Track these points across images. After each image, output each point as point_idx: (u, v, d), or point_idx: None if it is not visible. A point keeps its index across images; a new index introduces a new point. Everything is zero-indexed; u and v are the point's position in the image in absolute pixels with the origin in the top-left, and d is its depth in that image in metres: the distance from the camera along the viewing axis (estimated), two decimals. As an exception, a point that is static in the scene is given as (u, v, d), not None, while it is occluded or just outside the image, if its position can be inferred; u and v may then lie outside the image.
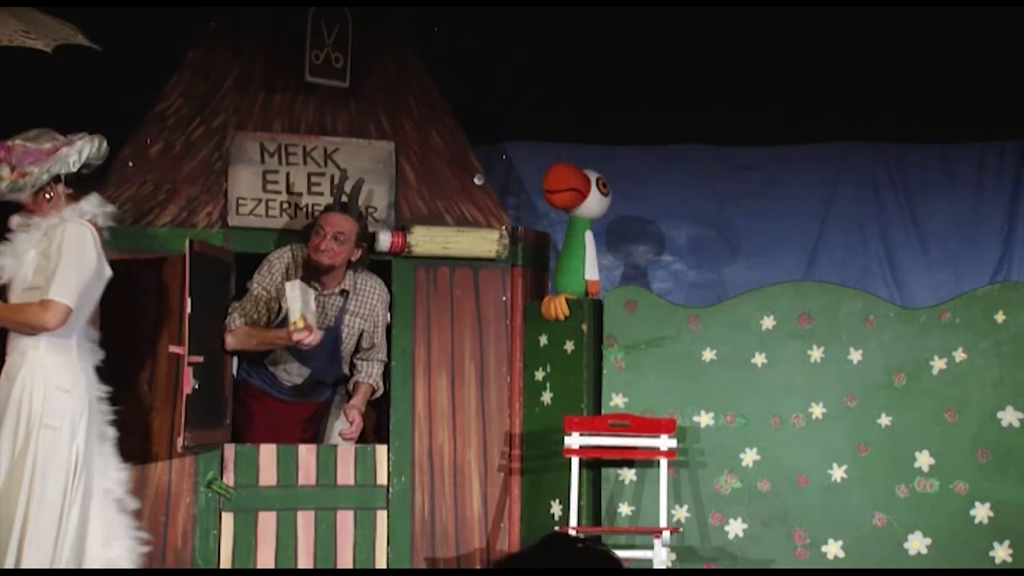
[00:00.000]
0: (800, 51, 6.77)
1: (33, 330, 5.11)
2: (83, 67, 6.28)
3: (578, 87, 6.81)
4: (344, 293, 6.01)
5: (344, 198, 5.93)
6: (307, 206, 6.12)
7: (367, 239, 6.00)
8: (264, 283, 5.92)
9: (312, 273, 5.91)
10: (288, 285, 5.76)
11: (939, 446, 6.04)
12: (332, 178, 6.15)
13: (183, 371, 5.53)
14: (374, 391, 6.14)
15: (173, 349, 5.63)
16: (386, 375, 6.19)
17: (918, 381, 6.10)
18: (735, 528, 6.09)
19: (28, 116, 5.53)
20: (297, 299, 5.71)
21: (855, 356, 6.14)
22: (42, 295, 5.09)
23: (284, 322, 5.85)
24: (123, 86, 6.14)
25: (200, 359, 5.57)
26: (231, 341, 5.86)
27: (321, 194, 6.14)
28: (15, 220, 5.27)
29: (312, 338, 5.72)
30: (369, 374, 6.10)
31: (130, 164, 5.96)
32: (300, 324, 5.71)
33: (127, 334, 5.83)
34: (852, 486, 6.07)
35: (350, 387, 6.14)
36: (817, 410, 6.13)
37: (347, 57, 6.15)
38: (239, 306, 5.90)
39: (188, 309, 5.56)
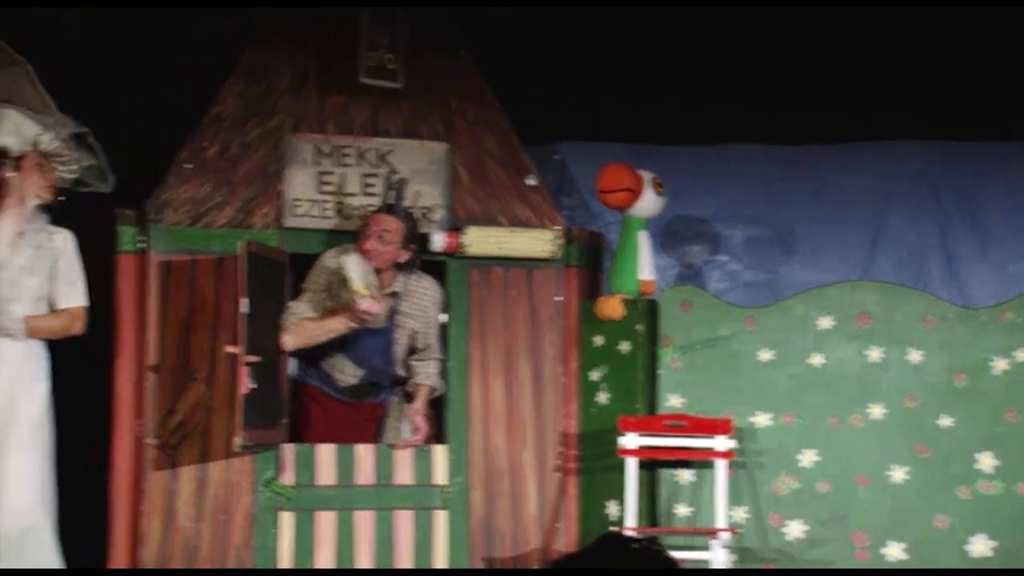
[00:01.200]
0: (857, 48, 6.72)
1: (64, 336, 5.36)
2: (141, 70, 6.35)
3: (632, 86, 6.79)
4: (395, 295, 6.02)
5: (390, 199, 5.95)
6: (361, 207, 6.14)
7: (416, 240, 6.00)
8: (319, 284, 5.94)
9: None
10: (344, 258, 5.78)
11: (1002, 447, 5.97)
12: (386, 176, 6.16)
13: (239, 371, 5.56)
14: (434, 390, 6.14)
15: (229, 349, 5.67)
16: (442, 376, 6.20)
17: (979, 382, 6.04)
18: (794, 529, 6.05)
19: (84, 120, 5.60)
20: (356, 270, 5.73)
21: (914, 356, 6.09)
22: (67, 303, 5.38)
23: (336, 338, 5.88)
24: (180, 89, 6.19)
25: (256, 359, 5.60)
26: (289, 339, 5.88)
27: (375, 195, 6.16)
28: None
29: (378, 307, 5.72)
30: (427, 375, 6.11)
31: (187, 166, 6.01)
32: (364, 292, 5.71)
33: (185, 335, 5.88)
34: (912, 488, 6.02)
35: (409, 389, 6.14)
36: (876, 411, 6.08)
37: (400, 58, 6.16)
38: (294, 306, 5.93)
39: (243, 309, 5.59)
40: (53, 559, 5.25)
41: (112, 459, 5.86)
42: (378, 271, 5.92)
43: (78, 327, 5.43)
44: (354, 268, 5.75)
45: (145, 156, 5.95)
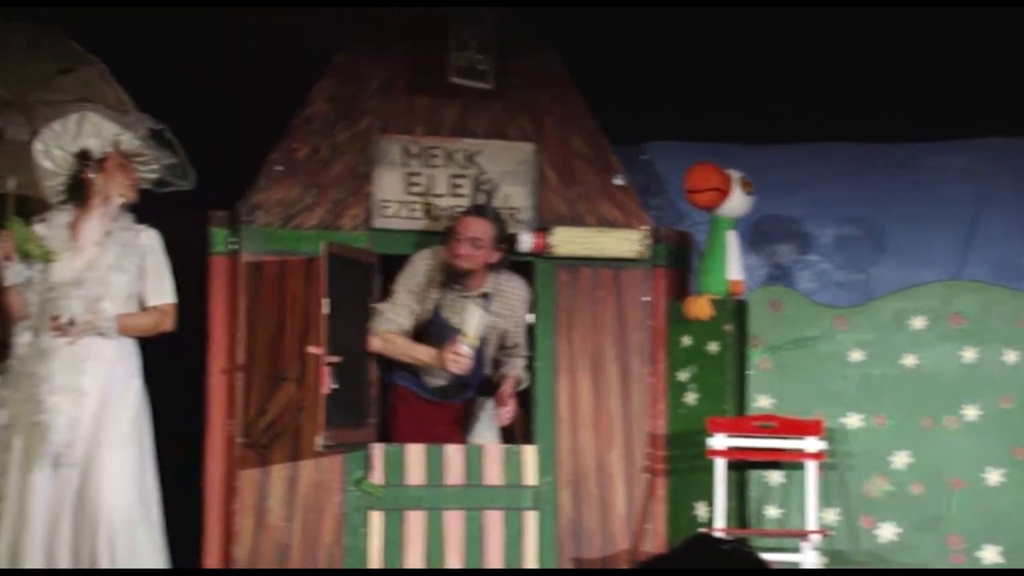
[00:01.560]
0: (950, 45, 6.62)
1: (155, 333, 5.45)
2: (232, 72, 6.43)
3: (720, 85, 6.75)
4: (486, 296, 6.04)
5: (480, 201, 5.96)
6: (449, 208, 6.17)
7: (505, 241, 6.02)
8: (409, 286, 5.97)
9: (452, 277, 5.95)
10: (472, 307, 5.84)
11: (1101, 450, 5.87)
12: (475, 179, 6.18)
13: (320, 371, 5.61)
14: (519, 382, 6.15)
15: (311, 350, 5.71)
16: (529, 373, 6.20)
17: (1077, 383, 5.93)
18: (886, 532, 5.98)
19: (175, 123, 5.68)
20: (476, 320, 5.81)
21: (1010, 357, 6.00)
22: (156, 301, 5.45)
23: (432, 329, 5.91)
24: (272, 90, 6.25)
25: (338, 359, 5.64)
26: (378, 344, 5.92)
27: (463, 196, 6.18)
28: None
29: (469, 361, 5.81)
30: (514, 366, 6.12)
31: (278, 168, 6.07)
32: (472, 340, 5.82)
33: (277, 335, 5.94)
34: (1009, 490, 5.92)
35: (495, 380, 6.15)
36: (971, 412, 5.99)
37: (490, 59, 6.18)
38: (386, 310, 5.95)
39: (324, 310, 5.64)
40: (155, 556, 5.31)
41: (205, 458, 5.93)
42: (469, 273, 5.94)
43: (168, 324, 5.50)
44: (475, 317, 5.82)
45: (237, 158, 6.02)
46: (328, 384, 5.58)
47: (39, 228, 5.40)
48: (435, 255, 6.01)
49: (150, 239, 5.47)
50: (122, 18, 6.16)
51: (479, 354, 6.07)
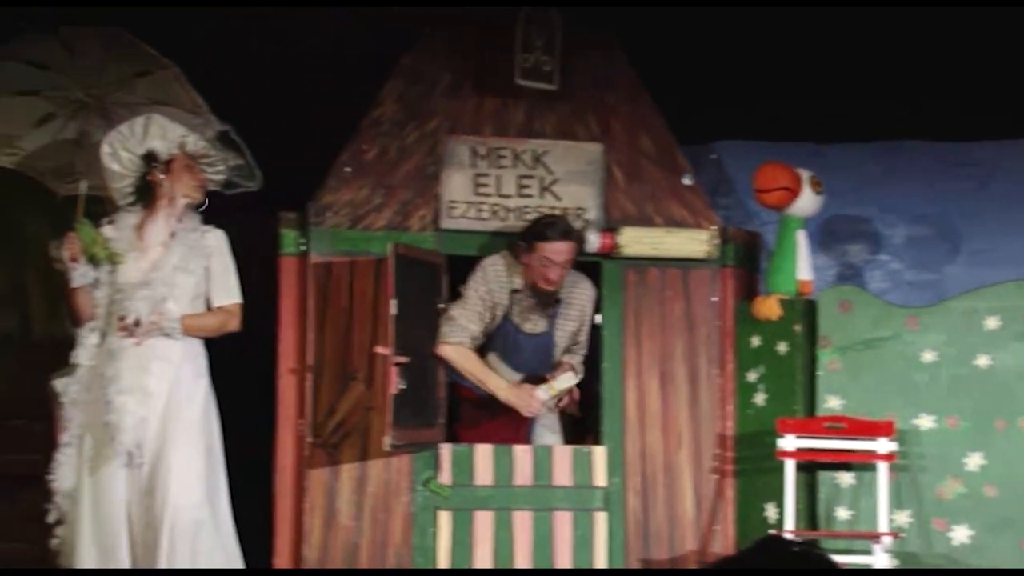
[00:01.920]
0: (1022, 42, 6.54)
1: (222, 333, 5.49)
2: (302, 75, 6.48)
3: (789, 84, 6.71)
4: (558, 301, 6.05)
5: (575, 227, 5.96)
6: (517, 209, 6.17)
7: (580, 244, 6.03)
8: (480, 292, 5.96)
9: (530, 290, 5.95)
10: (571, 374, 5.92)
11: None
12: (541, 180, 6.18)
13: (388, 371, 5.63)
14: (575, 372, 6.09)
15: (379, 350, 5.74)
16: (597, 377, 6.20)
17: None
18: (960, 535, 5.92)
19: (245, 124, 5.73)
20: (568, 382, 5.92)
21: (1086, 357, 5.92)
22: (222, 301, 5.48)
23: (500, 334, 5.93)
24: (341, 92, 6.29)
25: (406, 360, 5.67)
26: (451, 354, 5.91)
27: (530, 196, 6.18)
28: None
29: (536, 411, 5.90)
30: (571, 356, 6.13)
31: (347, 170, 6.11)
32: (553, 392, 5.91)
33: (346, 335, 5.98)
34: (1085, 493, 5.84)
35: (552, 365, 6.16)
36: (1047, 413, 5.92)
37: (556, 60, 6.18)
38: (458, 317, 5.93)
39: (392, 311, 5.66)
40: (222, 556, 5.36)
41: (275, 458, 5.98)
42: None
43: (234, 324, 5.53)
44: (568, 382, 5.93)
45: (307, 159, 6.07)
46: (396, 384, 5.60)
47: (107, 230, 5.46)
48: (505, 260, 6.00)
49: (216, 240, 5.51)
50: (191, 19, 6.22)
51: (548, 354, 6.09)
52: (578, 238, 5.95)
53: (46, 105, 5.77)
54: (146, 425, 5.28)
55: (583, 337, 6.14)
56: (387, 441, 5.59)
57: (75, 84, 5.71)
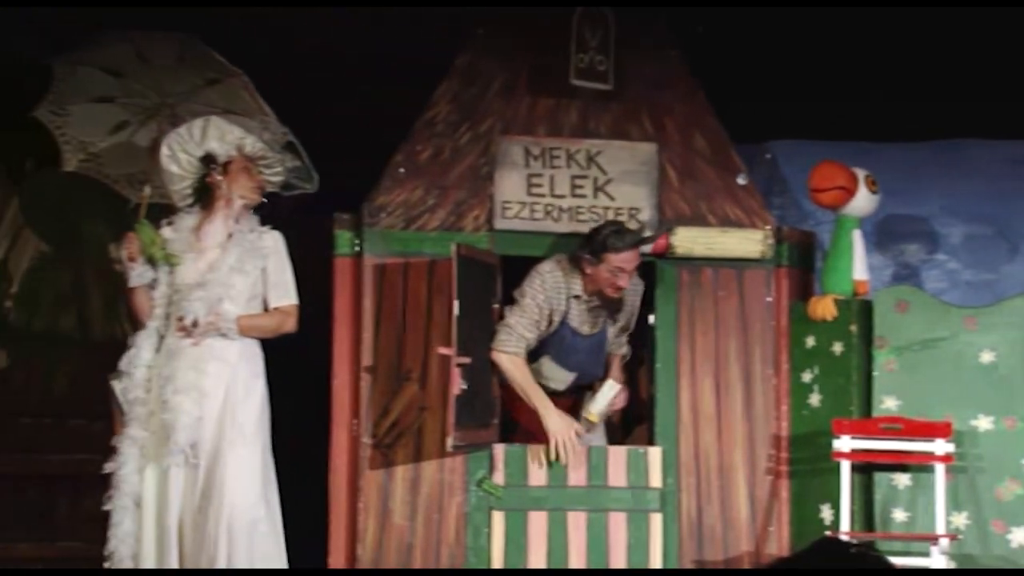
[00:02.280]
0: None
1: (278, 334, 5.52)
2: (356, 76, 6.51)
3: (845, 82, 6.67)
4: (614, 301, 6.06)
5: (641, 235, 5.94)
6: (571, 209, 6.17)
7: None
8: (538, 300, 5.95)
9: (596, 296, 5.94)
10: (610, 383, 5.93)
11: None
12: (594, 180, 6.17)
13: (451, 372, 5.64)
14: (625, 357, 6.21)
15: (441, 350, 5.76)
16: (651, 378, 6.19)
17: None
18: (1019, 537, 5.86)
19: (300, 126, 5.77)
20: (606, 400, 5.89)
21: None
22: (278, 302, 5.51)
23: (556, 339, 5.94)
24: (395, 94, 6.32)
25: (468, 360, 5.68)
26: (506, 363, 5.90)
27: (584, 196, 6.17)
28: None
29: (573, 442, 5.87)
30: (620, 345, 6.19)
31: (401, 170, 6.13)
32: (593, 419, 5.93)
33: (399, 336, 6.00)
34: None
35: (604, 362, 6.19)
36: (1105, 414, 5.86)
37: (610, 59, 6.17)
38: (515, 325, 5.91)
39: (456, 311, 5.67)
40: (277, 554, 5.40)
41: (330, 458, 6.01)
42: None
43: (291, 325, 5.57)
44: (605, 400, 5.92)
45: (361, 160, 6.10)
46: (459, 385, 5.62)
47: (166, 231, 5.52)
48: (562, 266, 5.99)
49: (273, 241, 5.54)
50: (248, 22, 6.27)
51: (601, 352, 6.08)
52: (640, 248, 5.92)
53: (120, 112, 5.86)
54: (201, 425, 5.32)
55: (632, 324, 6.18)
56: (449, 442, 5.61)
57: (148, 91, 5.78)
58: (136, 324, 5.52)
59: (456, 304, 5.67)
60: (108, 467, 5.33)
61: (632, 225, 6.04)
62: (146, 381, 5.39)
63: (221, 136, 5.49)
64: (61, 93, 5.83)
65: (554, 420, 5.88)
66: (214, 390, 5.35)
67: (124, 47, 5.71)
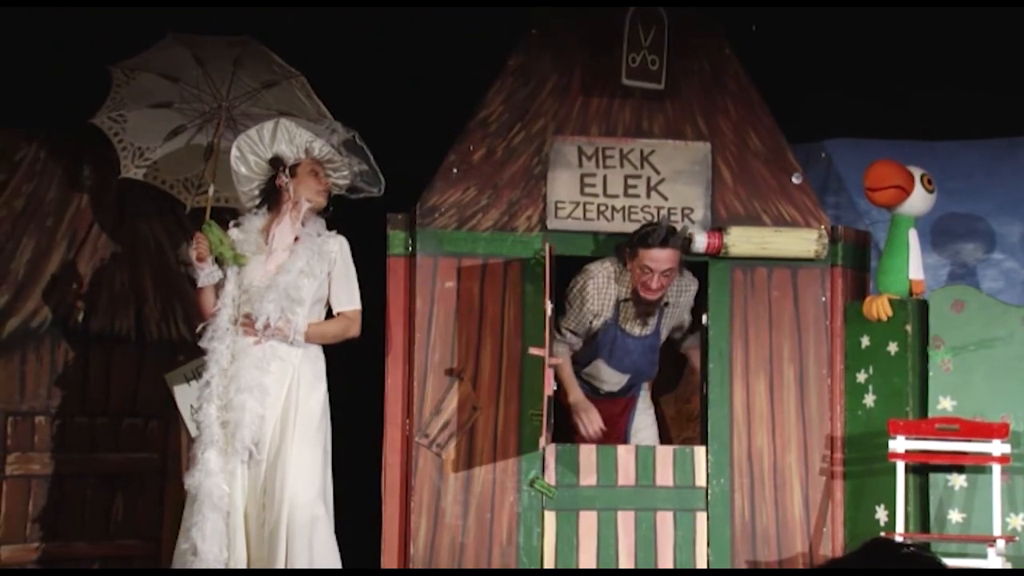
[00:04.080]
0: None
1: (343, 340, 5.57)
2: (409, 76, 6.53)
3: (901, 80, 6.61)
4: (666, 304, 6.03)
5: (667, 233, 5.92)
6: (624, 209, 6.16)
7: (687, 251, 5.99)
8: (588, 304, 5.97)
9: (636, 299, 5.94)
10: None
11: None
12: (648, 180, 6.16)
13: (545, 373, 5.64)
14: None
15: (534, 351, 5.72)
16: (704, 377, 6.17)
17: None
18: (1076, 539, 5.79)
19: (354, 125, 5.79)
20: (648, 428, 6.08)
21: None
22: (343, 307, 5.56)
23: (605, 340, 5.97)
24: (448, 94, 6.33)
25: (559, 360, 5.69)
26: (559, 364, 5.93)
27: (638, 196, 6.16)
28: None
29: (591, 432, 5.96)
30: (688, 342, 6.28)
31: (454, 171, 6.14)
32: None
33: (453, 336, 6.01)
34: None
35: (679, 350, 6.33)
36: None
37: (663, 59, 6.15)
38: (563, 328, 5.97)
39: (548, 312, 5.67)
40: (332, 552, 5.43)
41: (383, 457, 6.03)
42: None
43: (355, 330, 5.61)
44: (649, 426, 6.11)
45: (414, 160, 6.11)
46: (552, 385, 5.63)
47: (233, 232, 5.57)
48: (612, 267, 5.98)
49: (339, 245, 5.58)
50: (301, 23, 6.31)
51: (655, 353, 6.08)
52: (679, 245, 5.89)
53: (177, 117, 5.92)
54: (264, 423, 5.36)
55: (686, 326, 6.24)
56: (543, 443, 5.61)
57: (204, 95, 5.83)
58: (198, 323, 5.57)
59: (549, 304, 5.67)
60: (169, 465, 5.36)
61: (680, 227, 6.01)
62: (215, 381, 5.43)
63: (290, 139, 5.53)
64: (119, 99, 5.90)
65: (575, 392, 5.99)
66: (276, 389, 5.39)
67: (180, 51, 5.76)
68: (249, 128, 5.61)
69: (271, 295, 5.41)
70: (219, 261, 5.52)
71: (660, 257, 5.84)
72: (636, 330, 6.00)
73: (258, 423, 5.33)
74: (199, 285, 5.52)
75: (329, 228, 5.63)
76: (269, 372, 5.38)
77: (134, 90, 5.90)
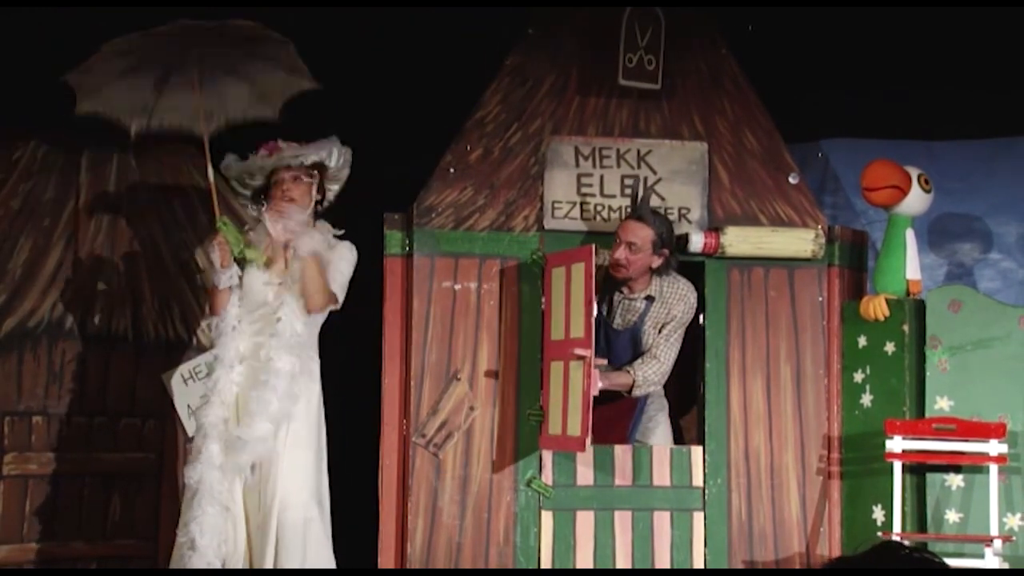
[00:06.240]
0: None
1: (318, 299, 5.44)
2: (405, 76, 6.53)
3: (898, 80, 6.63)
4: (650, 299, 6.01)
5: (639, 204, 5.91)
6: (620, 209, 6.16)
7: (669, 244, 5.95)
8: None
9: (616, 282, 5.94)
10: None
11: None
12: (644, 180, 6.16)
13: (589, 373, 5.62)
14: (633, 384, 5.94)
15: (578, 351, 5.69)
16: (701, 377, 6.17)
17: None
18: (1074, 539, 5.81)
19: (351, 125, 5.78)
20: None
21: None
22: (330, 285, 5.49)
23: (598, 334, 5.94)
24: (444, 94, 6.33)
25: (604, 361, 5.68)
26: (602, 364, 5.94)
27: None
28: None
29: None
30: (638, 368, 5.94)
31: (451, 171, 6.14)
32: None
33: (450, 336, 6.00)
34: None
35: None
36: None
37: (660, 59, 6.15)
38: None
39: (593, 312, 5.66)
40: (327, 553, 5.42)
41: (380, 457, 6.02)
42: (630, 279, 5.91)
43: (330, 305, 5.52)
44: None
45: (410, 160, 6.11)
46: (596, 386, 5.61)
47: (251, 235, 5.59)
48: (602, 260, 5.99)
49: (347, 250, 5.59)
50: (300, 23, 6.29)
51: (637, 351, 6.04)
52: (652, 220, 5.83)
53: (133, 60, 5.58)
54: (266, 444, 5.38)
55: (661, 338, 5.97)
56: (587, 443, 5.59)
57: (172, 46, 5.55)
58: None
59: (595, 305, 5.65)
60: (165, 466, 5.35)
61: (644, 194, 5.93)
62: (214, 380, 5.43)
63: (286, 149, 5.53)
64: (85, 84, 5.65)
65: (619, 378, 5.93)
66: (280, 406, 5.38)
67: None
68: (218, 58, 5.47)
69: (268, 298, 5.41)
70: (238, 261, 5.51)
71: (625, 227, 5.84)
72: (617, 321, 6.00)
73: (261, 446, 5.32)
74: (220, 287, 5.49)
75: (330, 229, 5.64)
76: (274, 388, 5.35)
77: (98, 70, 5.63)
